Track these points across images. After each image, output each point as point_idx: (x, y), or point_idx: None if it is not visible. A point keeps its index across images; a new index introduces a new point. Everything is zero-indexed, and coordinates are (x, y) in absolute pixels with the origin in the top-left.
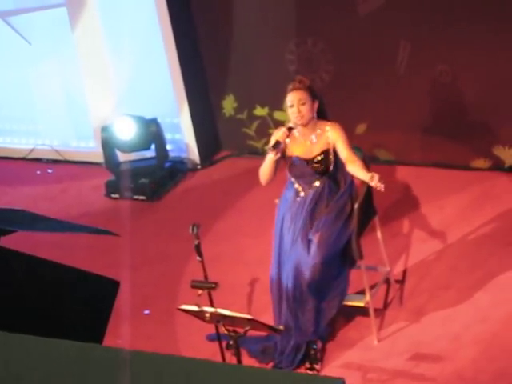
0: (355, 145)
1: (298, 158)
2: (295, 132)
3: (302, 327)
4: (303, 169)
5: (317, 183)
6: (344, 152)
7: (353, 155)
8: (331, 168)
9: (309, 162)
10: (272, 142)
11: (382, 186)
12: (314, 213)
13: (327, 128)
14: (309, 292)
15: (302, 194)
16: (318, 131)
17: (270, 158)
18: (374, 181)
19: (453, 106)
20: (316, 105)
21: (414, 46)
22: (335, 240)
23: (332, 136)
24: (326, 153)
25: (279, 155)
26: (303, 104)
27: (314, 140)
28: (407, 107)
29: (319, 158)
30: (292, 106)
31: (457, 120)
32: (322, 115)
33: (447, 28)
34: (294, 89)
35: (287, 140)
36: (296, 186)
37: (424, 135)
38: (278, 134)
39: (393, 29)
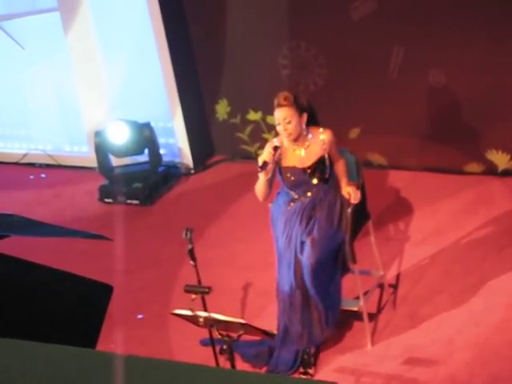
0: (346, 149)
1: (293, 168)
2: (287, 143)
3: (298, 334)
4: (299, 179)
5: (313, 189)
6: (334, 158)
7: (342, 163)
8: (327, 175)
9: (305, 171)
10: (260, 162)
11: (353, 198)
12: (309, 217)
13: (320, 134)
14: (305, 295)
15: (298, 201)
16: (311, 139)
17: (261, 178)
18: (348, 197)
19: (446, 110)
20: (304, 117)
21: (407, 51)
22: (328, 241)
23: (326, 141)
24: (321, 160)
25: (270, 175)
26: (289, 122)
27: (308, 149)
28: (400, 112)
29: (315, 166)
30: (279, 124)
31: (450, 124)
32: (312, 122)
33: (440, 33)
34: (279, 106)
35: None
36: (291, 193)
37: (417, 139)
38: (264, 154)
39: (386, 34)
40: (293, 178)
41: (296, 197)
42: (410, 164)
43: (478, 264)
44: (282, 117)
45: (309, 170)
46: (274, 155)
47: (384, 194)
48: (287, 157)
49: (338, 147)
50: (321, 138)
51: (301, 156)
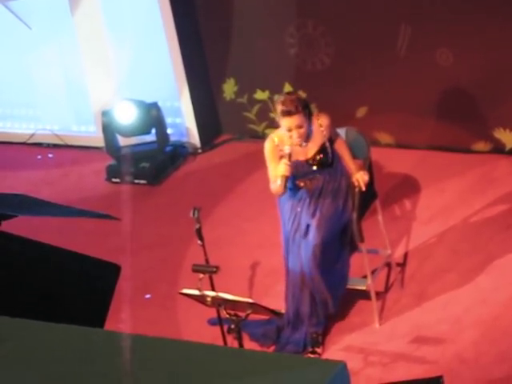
0: (354, 128)
1: (296, 161)
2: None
3: (308, 314)
4: (303, 170)
5: (318, 176)
6: (333, 140)
7: (342, 143)
8: (330, 160)
9: (308, 161)
10: (281, 180)
11: (362, 185)
12: (315, 201)
13: (317, 121)
14: (313, 277)
15: (304, 187)
16: (310, 130)
17: (282, 186)
18: (357, 184)
19: (453, 88)
20: (307, 115)
21: (415, 29)
22: (334, 221)
23: (324, 126)
24: (323, 148)
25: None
26: (301, 127)
27: (308, 139)
28: (408, 90)
29: (318, 156)
30: (290, 130)
31: (457, 103)
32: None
33: (448, 11)
34: (290, 114)
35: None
36: (297, 181)
37: (424, 118)
38: (282, 168)
39: (393, 12)
40: (297, 171)
41: (302, 184)
42: (417, 143)
43: (486, 242)
44: (295, 124)
45: (312, 161)
46: (290, 165)
47: (391, 172)
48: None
49: (335, 129)
50: (319, 125)
51: (301, 148)
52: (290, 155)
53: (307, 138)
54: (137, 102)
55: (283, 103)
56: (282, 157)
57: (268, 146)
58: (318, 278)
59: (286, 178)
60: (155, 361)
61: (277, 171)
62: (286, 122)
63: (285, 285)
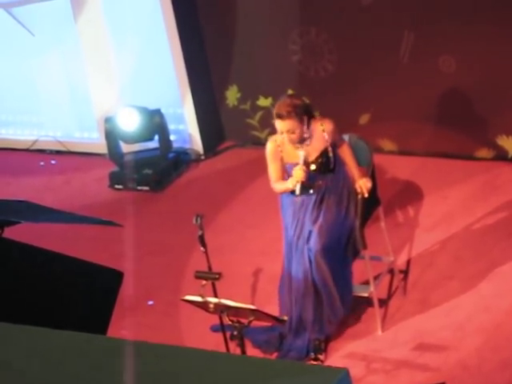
0: (356, 135)
1: (296, 165)
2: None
3: (311, 321)
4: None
5: (319, 181)
6: (337, 145)
7: (347, 149)
8: (332, 165)
9: (309, 165)
10: (297, 187)
11: (365, 192)
12: (318, 206)
13: (320, 126)
14: (316, 283)
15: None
16: (312, 135)
17: (290, 188)
18: (360, 191)
19: (456, 95)
20: (305, 120)
21: (418, 36)
22: (336, 227)
23: (327, 132)
24: (325, 153)
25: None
26: (293, 133)
27: (309, 143)
28: (410, 97)
29: (319, 159)
30: (282, 133)
31: (460, 110)
32: (310, 116)
33: (450, 18)
34: (281, 118)
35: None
36: (299, 186)
37: (427, 125)
38: (298, 174)
39: (396, 19)
40: None
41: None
42: (420, 149)
43: (489, 249)
44: (286, 129)
45: (312, 165)
46: (306, 170)
47: (394, 179)
48: (290, 154)
49: (340, 134)
50: (321, 130)
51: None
52: (305, 160)
53: (304, 141)
54: (140, 109)
55: (277, 106)
56: (282, 159)
57: (269, 146)
58: (323, 284)
59: (303, 184)
60: (157, 367)
61: (294, 176)
62: (276, 125)
63: (280, 290)
